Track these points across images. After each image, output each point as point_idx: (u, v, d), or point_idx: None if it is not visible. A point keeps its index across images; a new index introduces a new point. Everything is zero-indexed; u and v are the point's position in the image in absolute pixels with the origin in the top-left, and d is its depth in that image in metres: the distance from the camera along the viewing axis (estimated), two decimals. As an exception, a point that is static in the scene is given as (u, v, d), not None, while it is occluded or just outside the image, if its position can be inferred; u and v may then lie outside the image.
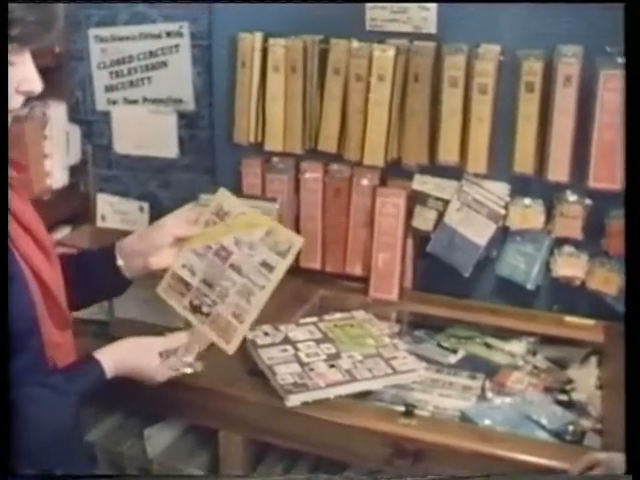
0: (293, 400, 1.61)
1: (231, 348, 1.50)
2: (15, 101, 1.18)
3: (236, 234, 1.51)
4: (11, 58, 1.13)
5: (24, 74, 1.16)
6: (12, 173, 1.27)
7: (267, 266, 1.48)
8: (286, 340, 1.82)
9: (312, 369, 1.71)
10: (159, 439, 1.89)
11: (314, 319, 1.93)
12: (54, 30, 1.16)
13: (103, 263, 1.49)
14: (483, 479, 1.37)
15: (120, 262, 1.48)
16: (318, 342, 1.83)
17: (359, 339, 1.84)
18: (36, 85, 1.19)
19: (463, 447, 1.51)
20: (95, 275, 1.44)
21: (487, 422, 1.62)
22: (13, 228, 1.23)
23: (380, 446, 1.56)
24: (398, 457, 1.55)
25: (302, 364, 1.73)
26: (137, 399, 1.78)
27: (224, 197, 1.56)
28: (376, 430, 1.57)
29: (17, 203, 1.26)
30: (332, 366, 1.72)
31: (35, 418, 1.25)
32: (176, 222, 1.54)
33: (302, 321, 1.92)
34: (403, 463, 1.54)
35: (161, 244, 1.50)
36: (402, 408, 1.60)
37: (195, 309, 1.50)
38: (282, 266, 1.47)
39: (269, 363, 1.72)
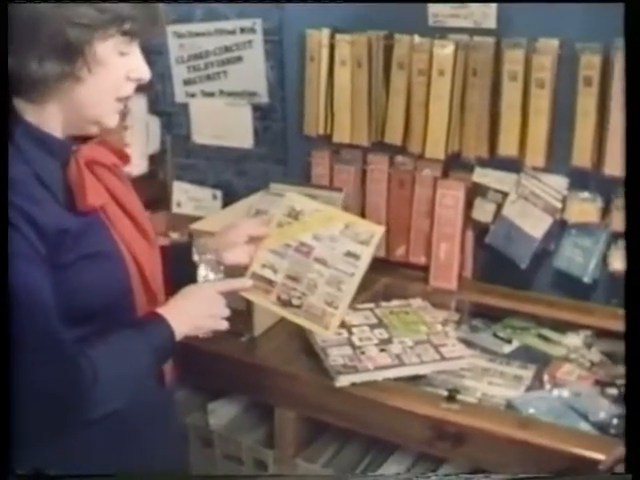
0: (342, 380, 1.70)
1: (330, 333, 1.57)
2: (126, 88, 1.29)
3: (314, 230, 1.58)
4: (122, 49, 1.25)
5: (135, 64, 1.28)
6: (115, 160, 1.38)
7: (352, 255, 1.55)
8: (342, 324, 1.89)
9: (363, 352, 1.79)
10: (221, 413, 2.01)
11: (371, 305, 2.00)
12: (159, 24, 1.29)
13: (180, 257, 1.56)
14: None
15: (196, 257, 1.55)
16: (372, 327, 1.90)
17: (412, 326, 1.90)
18: (145, 73, 1.30)
19: (501, 433, 1.55)
20: (172, 268, 1.49)
21: (531, 411, 1.65)
22: (113, 210, 1.32)
23: (422, 428, 1.62)
24: (439, 439, 1.60)
25: (354, 347, 1.81)
26: (203, 375, 1.91)
27: (294, 199, 1.63)
28: (419, 413, 1.63)
29: (119, 188, 1.36)
30: (383, 350, 1.80)
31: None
32: (251, 223, 1.64)
33: (359, 306, 1.99)
34: (443, 445, 1.60)
35: (235, 242, 1.58)
36: (445, 393, 1.66)
37: (284, 303, 1.55)
38: (367, 253, 1.54)
39: (323, 345, 1.81)
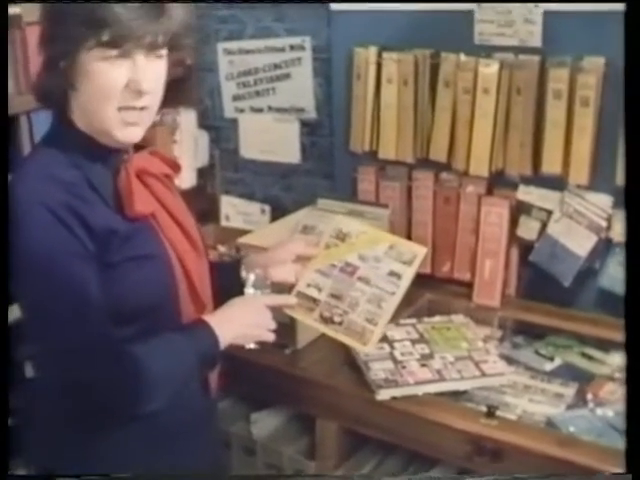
0: (383, 394, 1.72)
1: (369, 348, 1.61)
2: (125, 98, 1.27)
3: (360, 251, 1.63)
4: (110, 58, 1.23)
5: (133, 73, 1.26)
6: (166, 170, 1.44)
7: (395, 275, 1.60)
8: (384, 339, 1.91)
9: (404, 367, 1.81)
10: (264, 423, 2.05)
11: (413, 320, 2.02)
12: (160, 21, 1.24)
13: (229, 273, 1.62)
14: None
15: (244, 273, 1.60)
16: (414, 342, 1.92)
17: (453, 341, 1.92)
18: (142, 83, 1.26)
19: (539, 450, 1.56)
20: (221, 283, 1.54)
21: (572, 429, 1.65)
22: (163, 218, 1.38)
23: (461, 443, 1.63)
24: (477, 455, 1.62)
25: (396, 361, 1.83)
26: (247, 386, 1.94)
27: (342, 221, 1.69)
28: (458, 428, 1.64)
29: (169, 197, 1.42)
30: (424, 365, 1.82)
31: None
32: (300, 243, 1.69)
33: (402, 322, 2.01)
34: (482, 461, 1.61)
35: (283, 260, 1.63)
36: (484, 409, 1.67)
37: (326, 320, 1.60)
38: (409, 273, 1.59)
39: (365, 359, 1.83)
